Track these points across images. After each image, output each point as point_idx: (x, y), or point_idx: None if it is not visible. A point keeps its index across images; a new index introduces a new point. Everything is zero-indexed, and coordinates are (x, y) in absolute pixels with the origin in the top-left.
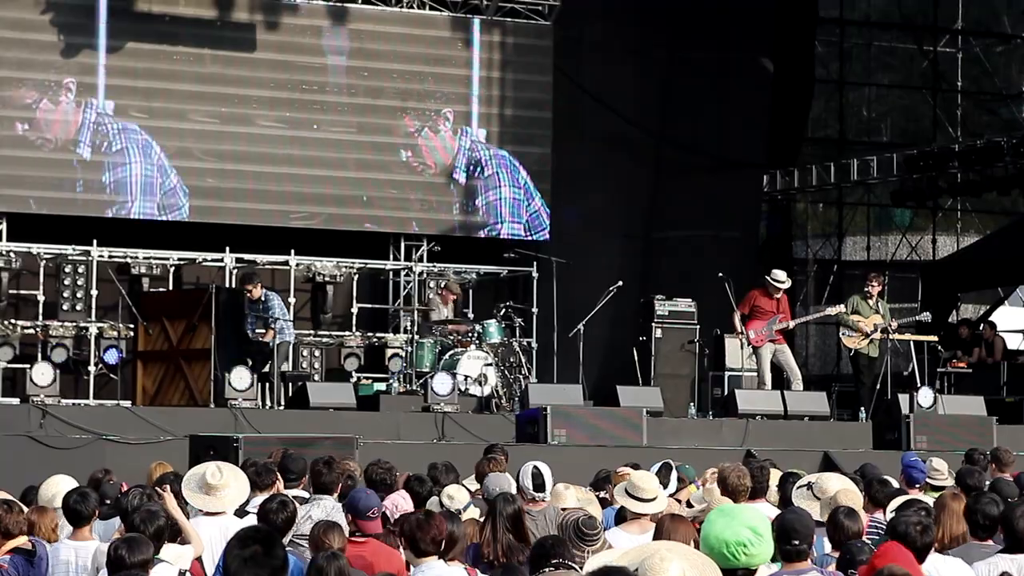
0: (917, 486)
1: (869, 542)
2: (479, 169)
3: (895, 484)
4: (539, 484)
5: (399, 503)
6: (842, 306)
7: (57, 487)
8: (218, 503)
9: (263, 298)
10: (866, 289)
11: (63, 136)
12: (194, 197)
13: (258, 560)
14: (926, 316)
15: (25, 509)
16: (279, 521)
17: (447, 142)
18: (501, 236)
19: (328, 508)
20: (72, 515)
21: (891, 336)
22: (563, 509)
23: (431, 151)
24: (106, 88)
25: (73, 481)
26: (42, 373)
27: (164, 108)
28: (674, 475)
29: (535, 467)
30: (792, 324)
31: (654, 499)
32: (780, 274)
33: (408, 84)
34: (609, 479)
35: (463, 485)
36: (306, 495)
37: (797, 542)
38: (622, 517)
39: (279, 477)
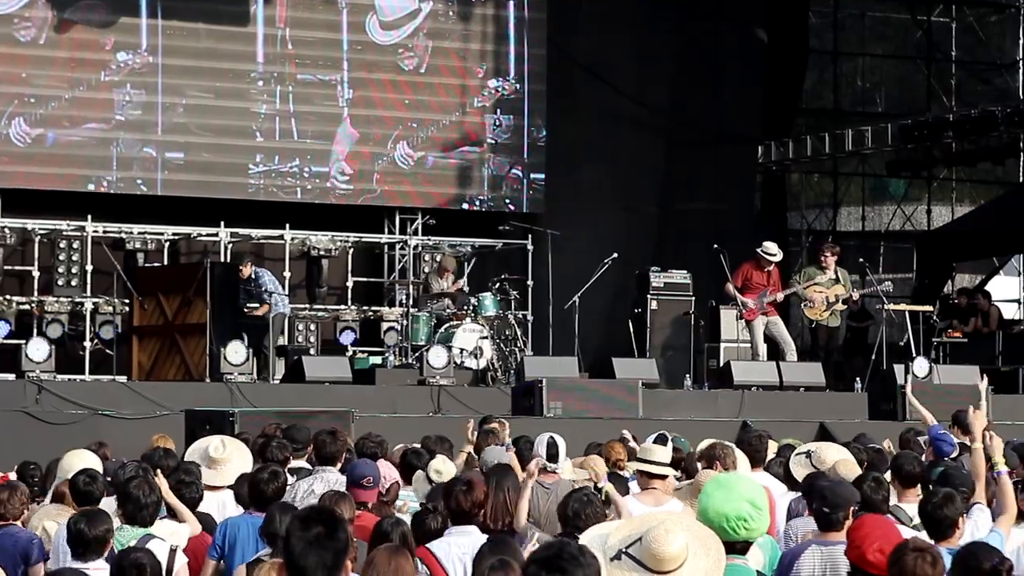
0: (945, 459)
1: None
2: (475, 141)
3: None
4: (553, 455)
5: (385, 472)
6: (814, 276)
7: (79, 462)
8: (220, 477)
9: (253, 275)
10: (820, 260)
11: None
12: (188, 171)
13: (322, 542)
14: (888, 286)
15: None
16: (270, 491)
17: (443, 116)
18: (495, 209)
19: (331, 481)
20: (82, 496)
21: (851, 306)
22: (572, 483)
23: (426, 125)
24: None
25: (94, 456)
26: (37, 349)
27: (158, 83)
28: (669, 445)
29: (551, 437)
30: (782, 296)
31: (666, 463)
32: (771, 246)
33: (403, 57)
34: (600, 452)
35: (466, 452)
36: (309, 467)
37: (827, 510)
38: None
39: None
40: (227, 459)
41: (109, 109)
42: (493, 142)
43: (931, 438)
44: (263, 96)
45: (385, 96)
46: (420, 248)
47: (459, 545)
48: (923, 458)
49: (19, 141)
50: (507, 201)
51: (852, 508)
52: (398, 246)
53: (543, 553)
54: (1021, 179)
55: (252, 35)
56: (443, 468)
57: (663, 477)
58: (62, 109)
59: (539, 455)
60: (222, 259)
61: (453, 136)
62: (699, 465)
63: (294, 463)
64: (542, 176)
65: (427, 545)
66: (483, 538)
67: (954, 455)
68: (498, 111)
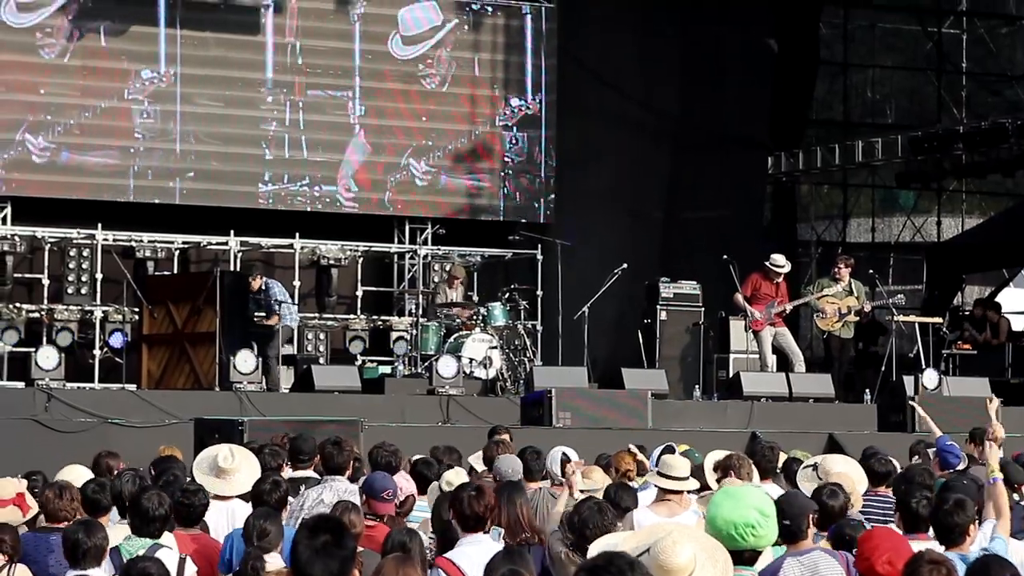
0: (951, 471)
1: (863, 518)
2: (492, 158)
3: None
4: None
5: (402, 484)
6: (826, 287)
7: (71, 476)
8: (228, 487)
9: (263, 287)
10: (833, 272)
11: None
12: (199, 180)
13: (329, 551)
14: (900, 298)
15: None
16: (272, 501)
17: (459, 132)
18: (505, 219)
19: (341, 490)
20: (91, 505)
21: (863, 318)
22: (581, 491)
23: (441, 140)
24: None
25: (88, 472)
26: (47, 356)
27: (169, 92)
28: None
29: (564, 453)
30: (790, 307)
31: (686, 478)
32: (779, 258)
33: (424, 73)
34: (610, 463)
35: (472, 465)
36: (316, 476)
37: (788, 522)
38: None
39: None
40: (236, 469)
41: (128, 119)
42: (510, 160)
43: (938, 449)
44: (274, 107)
45: (399, 108)
46: (429, 258)
47: (478, 555)
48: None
49: (37, 155)
50: (523, 220)
51: (811, 515)
52: (407, 256)
53: (593, 561)
54: None
55: (262, 44)
56: (456, 480)
57: (682, 492)
58: (79, 122)
59: (554, 473)
60: (232, 268)
61: (470, 153)
62: (714, 475)
63: (301, 473)
64: (552, 184)
65: (447, 555)
66: (495, 546)
67: (960, 467)
68: (515, 128)
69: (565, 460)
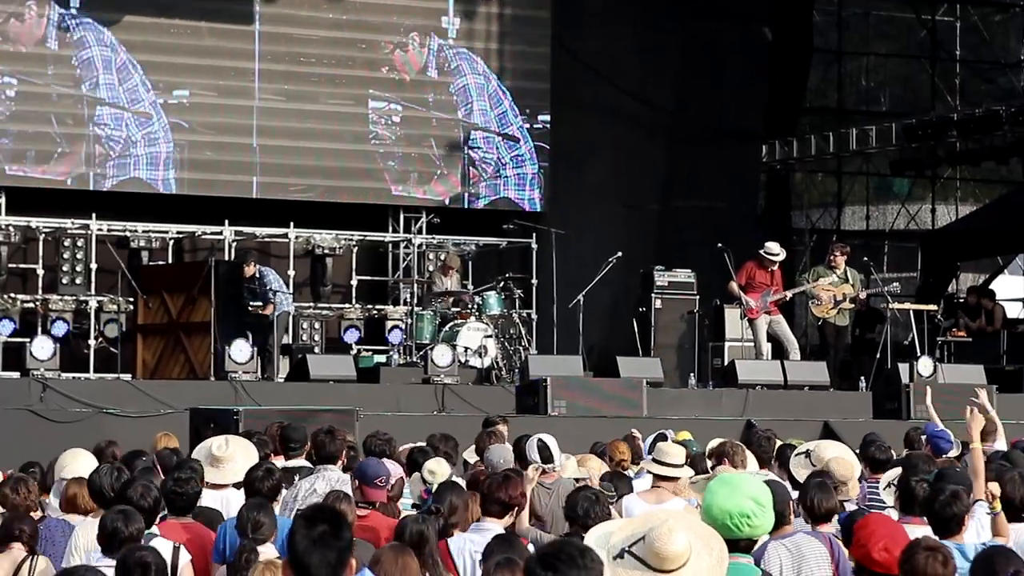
0: (944, 456)
1: (864, 507)
2: (488, 145)
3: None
4: (547, 456)
5: (391, 469)
6: (823, 274)
7: (75, 462)
8: (223, 475)
9: (257, 274)
10: (829, 259)
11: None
12: (193, 170)
13: (326, 541)
14: (895, 286)
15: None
16: (265, 489)
17: (449, 112)
18: (499, 207)
19: (333, 480)
20: (99, 495)
21: (859, 306)
22: (576, 480)
23: (432, 122)
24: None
25: (90, 456)
26: (42, 347)
27: (163, 81)
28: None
29: (540, 440)
30: (790, 295)
31: (680, 465)
32: (773, 246)
33: (410, 57)
34: (605, 451)
35: (465, 458)
36: (309, 465)
37: None
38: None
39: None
40: (230, 457)
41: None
42: (505, 148)
43: (929, 436)
44: (264, 95)
45: (392, 97)
46: (424, 247)
47: (473, 542)
48: None
49: (33, 145)
50: (527, 205)
51: (790, 503)
52: (402, 244)
53: (544, 550)
54: None
55: (253, 34)
56: (437, 469)
57: (676, 479)
58: (72, 112)
59: (534, 460)
60: (226, 257)
61: (464, 140)
62: (709, 462)
63: (294, 462)
64: (546, 174)
65: (449, 539)
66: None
67: (953, 453)
68: (511, 117)
69: (543, 447)
